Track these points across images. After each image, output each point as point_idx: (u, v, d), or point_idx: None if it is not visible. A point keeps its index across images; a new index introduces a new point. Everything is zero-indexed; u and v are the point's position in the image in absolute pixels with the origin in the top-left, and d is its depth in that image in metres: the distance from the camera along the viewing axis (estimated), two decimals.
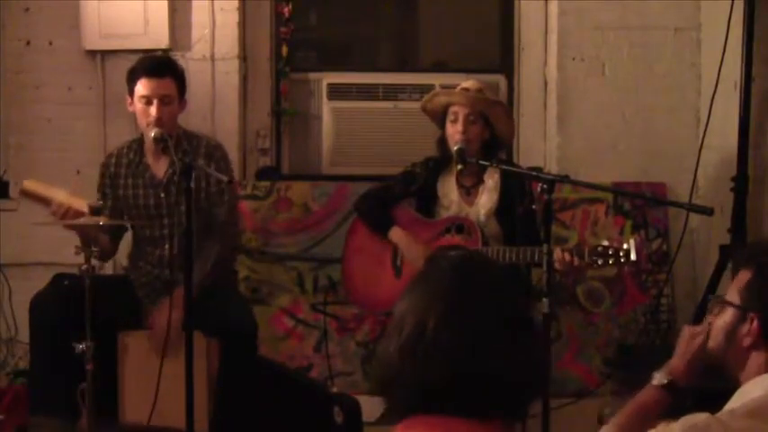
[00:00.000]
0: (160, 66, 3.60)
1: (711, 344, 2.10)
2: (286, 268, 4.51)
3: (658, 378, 2.17)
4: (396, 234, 3.76)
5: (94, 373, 3.22)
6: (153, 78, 3.52)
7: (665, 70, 4.66)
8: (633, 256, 3.28)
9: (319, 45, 4.91)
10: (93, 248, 3.24)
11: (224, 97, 4.55)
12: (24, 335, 4.03)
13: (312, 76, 4.75)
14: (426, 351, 1.44)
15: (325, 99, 4.71)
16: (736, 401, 1.96)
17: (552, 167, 4.59)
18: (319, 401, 3.65)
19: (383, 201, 3.86)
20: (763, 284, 2.00)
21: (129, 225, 3.71)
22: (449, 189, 3.82)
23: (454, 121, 3.70)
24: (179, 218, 3.52)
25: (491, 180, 3.79)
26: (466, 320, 1.45)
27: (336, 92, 4.71)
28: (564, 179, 3.23)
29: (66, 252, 3.42)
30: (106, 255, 3.71)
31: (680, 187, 4.54)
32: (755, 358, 1.99)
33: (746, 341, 2.00)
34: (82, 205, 3.35)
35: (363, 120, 4.72)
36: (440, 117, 3.79)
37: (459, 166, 3.59)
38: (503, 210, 3.74)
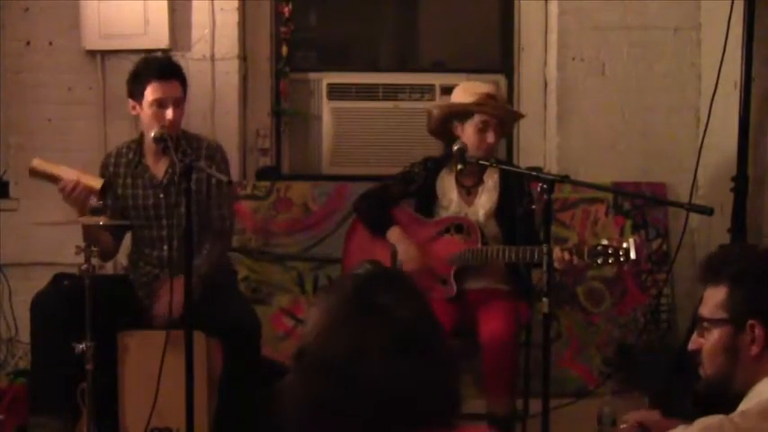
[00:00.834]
0: (169, 68, 3.59)
1: (710, 368, 2.03)
2: (286, 268, 4.51)
3: None
4: (393, 234, 3.76)
5: (94, 373, 3.22)
6: (165, 82, 3.51)
7: (665, 70, 4.66)
8: (633, 255, 3.28)
9: (319, 45, 4.91)
10: (94, 248, 3.24)
11: (224, 97, 4.55)
12: (24, 335, 4.04)
13: (312, 76, 4.75)
14: (308, 369, 1.47)
15: (325, 99, 4.71)
16: (750, 401, 1.93)
17: (552, 167, 4.59)
18: None
19: (382, 201, 3.86)
20: (748, 292, 1.97)
21: (129, 224, 3.71)
22: (448, 188, 3.82)
23: (483, 131, 3.69)
24: (178, 219, 3.52)
25: (491, 180, 3.79)
26: (344, 336, 1.46)
27: (336, 92, 4.71)
28: (564, 179, 3.22)
29: (66, 252, 3.42)
30: (108, 254, 3.71)
31: (680, 187, 4.54)
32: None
33: (754, 349, 1.95)
34: (93, 181, 3.36)
35: (363, 120, 4.72)
36: (447, 118, 3.77)
37: (460, 166, 3.58)
38: (502, 210, 3.74)
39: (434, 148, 4.06)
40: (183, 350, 3.03)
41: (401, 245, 3.74)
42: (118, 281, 3.85)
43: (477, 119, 3.70)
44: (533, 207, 3.66)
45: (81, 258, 3.22)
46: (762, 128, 4.06)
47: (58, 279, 3.67)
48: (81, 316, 3.19)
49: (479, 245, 3.65)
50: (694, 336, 2.06)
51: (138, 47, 4.38)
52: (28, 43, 4.53)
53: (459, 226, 3.73)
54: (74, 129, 4.53)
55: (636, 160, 4.65)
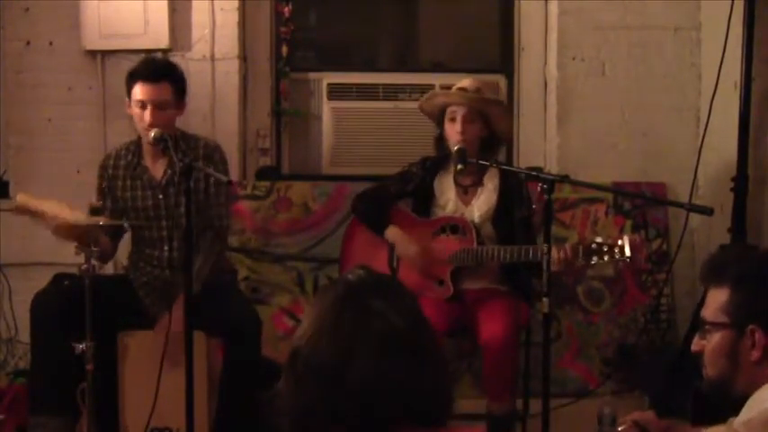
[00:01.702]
0: (156, 71, 3.57)
1: (712, 371, 2.02)
2: (286, 268, 4.51)
3: None
4: (392, 233, 3.76)
5: (94, 373, 3.22)
6: (148, 83, 3.50)
7: (665, 70, 4.66)
8: (627, 252, 3.28)
9: (319, 45, 4.91)
10: (94, 248, 3.24)
11: (224, 97, 4.55)
12: (24, 335, 4.04)
13: (312, 76, 4.75)
14: (299, 373, 1.47)
15: (325, 99, 4.71)
16: (751, 409, 1.92)
17: (552, 167, 4.59)
18: None
19: (379, 200, 3.85)
20: (749, 295, 1.95)
21: (127, 226, 3.70)
22: (446, 187, 3.81)
23: (452, 121, 3.70)
24: (178, 219, 3.52)
25: (491, 183, 3.77)
26: (336, 338, 1.47)
27: (336, 92, 4.71)
28: (564, 179, 3.23)
29: (66, 252, 3.42)
30: (106, 256, 3.70)
31: (680, 187, 4.54)
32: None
33: (755, 355, 1.94)
34: (77, 217, 3.29)
35: (363, 120, 4.72)
36: (438, 116, 3.79)
37: (460, 166, 3.58)
38: (500, 214, 3.73)
39: (433, 146, 4.05)
40: (183, 350, 3.03)
41: (400, 244, 3.74)
42: (118, 281, 3.85)
43: (448, 111, 3.72)
44: (533, 211, 3.66)
45: (81, 258, 3.22)
46: (762, 128, 4.06)
47: (58, 279, 3.67)
48: (81, 316, 3.19)
49: (475, 245, 3.65)
50: (696, 338, 2.06)
51: (138, 47, 4.38)
52: (28, 43, 4.53)
53: (454, 226, 3.72)
54: (74, 129, 4.53)
55: (636, 160, 4.65)
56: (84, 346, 3.18)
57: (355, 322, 1.47)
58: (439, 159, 3.82)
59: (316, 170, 4.75)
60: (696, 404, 3.22)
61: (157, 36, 4.42)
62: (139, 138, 3.67)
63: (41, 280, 3.72)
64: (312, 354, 1.47)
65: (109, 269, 4.26)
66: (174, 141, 3.49)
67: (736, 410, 1.96)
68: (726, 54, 3.98)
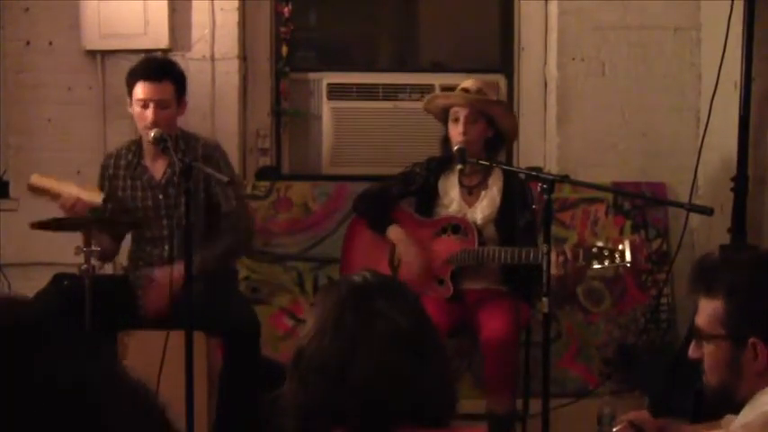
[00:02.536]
0: (158, 69, 3.58)
1: (713, 379, 1.99)
2: (286, 268, 4.51)
3: None
4: (393, 232, 3.76)
5: None
6: (150, 82, 3.51)
7: (665, 70, 4.65)
8: (628, 257, 3.27)
9: (319, 45, 4.91)
10: (94, 248, 3.24)
11: (224, 97, 4.55)
12: None
13: (312, 76, 4.75)
14: (302, 372, 1.48)
15: (325, 99, 4.70)
16: (751, 412, 1.90)
17: (552, 167, 4.59)
18: None
19: (381, 199, 3.86)
20: (744, 308, 1.91)
21: (128, 224, 3.71)
22: (450, 188, 3.81)
23: (455, 122, 3.70)
24: (178, 219, 3.52)
25: (495, 187, 3.77)
26: (339, 337, 1.47)
27: (336, 92, 4.71)
28: (564, 179, 3.23)
29: (66, 252, 3.42)
30: (108, 255, 3.71)
31: (680, 187, 4.54)
32: None
33: (758, 367, 1.91)
34: (94, 195, 3.34)
35: (363, 120, 4.71)
36: (442, 116, 3.80)
37: (460, 166, 3.59)
38: (503, 219, 3.73)
39: (435, 147, 4.05)
40: (183, 350, 3.03)
41: (401, 244, 3.74)
42: (118, 281, 3.85)
43: (450, 111, 3.73)
44: (535, 214, 3.66)
45: (81, 258, 3.22)
46: (762, 128, 4.06)
47: (58, 279, 3.67)
48: (81, 316, 3.19)
49: (476, 245, 3.65)
50: (693, 345, 2.02)
51: (138, 47, 4.38)
52: (28, 43, 4.53)
53: (456, 226, 3.72)
54: (74, 129, 4.53)
55: (636, 160, 4.65)
56: None
57: (359, 322, 1.48)
58: (444, 160, 3.82)
59: (316, 170, 4.75)
60: (696, 404, 3.22)
61: (157, 36, 4.42)
62: (140, 137, 3.67)
63: (41, 280, 3.72)
64: (315, 353, 1.47)
65: (109, 269, 4.26)
66: (173, 141, 3.50)
67: (735, 410, 1.96)
68: (726, 54, 3.98)
